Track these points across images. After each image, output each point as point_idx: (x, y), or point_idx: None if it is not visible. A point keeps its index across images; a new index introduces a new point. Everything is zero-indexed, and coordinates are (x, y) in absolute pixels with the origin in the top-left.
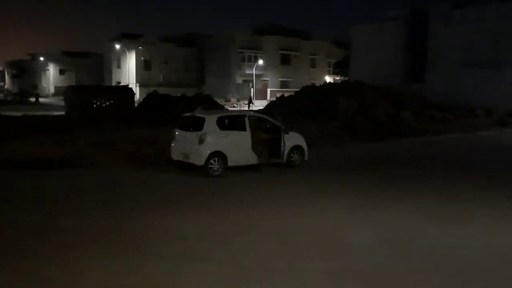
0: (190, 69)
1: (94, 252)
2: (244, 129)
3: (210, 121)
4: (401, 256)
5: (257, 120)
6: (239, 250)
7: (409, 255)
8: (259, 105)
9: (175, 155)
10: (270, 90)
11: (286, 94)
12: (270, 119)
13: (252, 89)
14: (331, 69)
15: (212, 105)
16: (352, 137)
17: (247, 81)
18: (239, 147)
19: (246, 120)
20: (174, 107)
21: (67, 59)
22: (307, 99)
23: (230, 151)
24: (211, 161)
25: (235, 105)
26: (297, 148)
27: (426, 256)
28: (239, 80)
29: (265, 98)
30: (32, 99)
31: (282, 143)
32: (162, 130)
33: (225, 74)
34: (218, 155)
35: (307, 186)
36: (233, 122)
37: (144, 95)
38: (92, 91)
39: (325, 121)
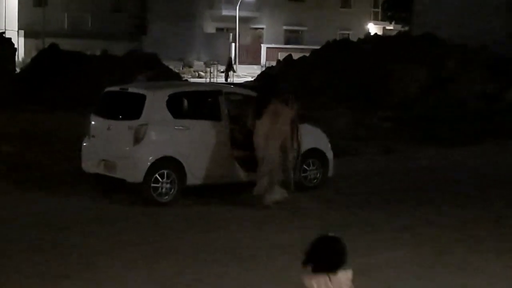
0: (120, 8)
1: None
2: (217, 117)
3: (155, 101)
4: None
5: (243, 102)
6: None
7: None
8: (245, 74)
9: (90, 164)
10: (267, 48)
11: (295, 56)
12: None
13: (233, 45)
14: (379, 11)
15: (159, 73)
16: (415, 137)
17: (225, 31)
18: (208, 151)
19: (222, 101)
20: (88, 75)
21: None
22: (333, 66)
23: (192, 158)
24: (157, 176)
25: (202, 73)
26: (314, 154)
27: None
28: (210, 28)
29: (257, 62)
30: None
31: (294, 148)
32: (65, 117)
33: (184, 17)
34: (169, 165)
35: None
36: (198, 104)
37: (34, 52)
38: None
39: (367, 107)
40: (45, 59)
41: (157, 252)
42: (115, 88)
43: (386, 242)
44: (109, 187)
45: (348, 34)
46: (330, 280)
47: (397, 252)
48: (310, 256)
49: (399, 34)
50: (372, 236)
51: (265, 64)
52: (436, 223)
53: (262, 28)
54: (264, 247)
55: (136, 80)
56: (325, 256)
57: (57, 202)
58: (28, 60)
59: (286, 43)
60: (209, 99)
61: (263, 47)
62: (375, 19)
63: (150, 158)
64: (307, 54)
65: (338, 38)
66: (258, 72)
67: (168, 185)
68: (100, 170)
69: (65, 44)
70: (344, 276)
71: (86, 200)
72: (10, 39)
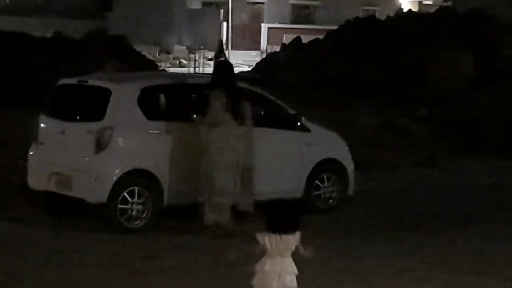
0: None
1: None
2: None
3: (124, 98)
4: None
5: (237, 99)
6: None
7: None
8: (241, 62)
9: (38, 179)
10: (269, 28)
11: (306, 39)
12: (267, 95)
13: (224, 24)
14: None
15: (128, 61)
16: (462, 144)
17: (214, 6)
18: (192, 162)
19: (213, 98)
20: (36, 64)
21: None
22: (355, 52)
23: (171, 171)
24: (125, 194)
25: (185, 61)
26: (330, 166)
27: None
28: (195, 2)
29: (256, 47)
30: None
31: (297, 160)
32: (5, 117)
33: None
34: (141, 180)
35: None
36: (179, 102)
37: None
38: None
39: (398, 105)
40: None
41: None
42: (72, 81)
43: None
44: (63, 209)
45: (374, 10)
46: (280, 238)
47: None
48: (267, 217)
49: (440, 10)
50: None
51: (266, 50)
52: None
53: (262, 3)
54: None
55: (103, 70)
56: (278, 219)
57: None
58: None
59: (293, 23)
60: (194, 95)
61: (264, 28)
62: None
63: (117, 171)
64: (321, 37)
65: (361, 16)
66: (257, 59)
67: (139, 207)
68: (51, 186)
69: (6, 23)
70: (293, 237)
71: (32, 227)
72: None
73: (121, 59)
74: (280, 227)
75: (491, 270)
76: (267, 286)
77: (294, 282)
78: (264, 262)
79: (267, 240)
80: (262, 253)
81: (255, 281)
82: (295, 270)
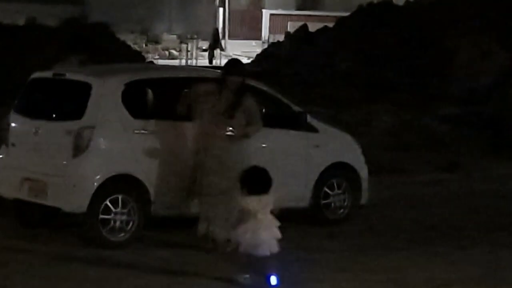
0: None
1: None
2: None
3: (106, 93)
4: None
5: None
6: None
7: None
8: (239, 53)
9: (8, 186)
10: (271, 15)
11: (313, 27)
12: (270, 91)
13: (220, 10)
14: None
15: (111, 52)
16: (490, 147)
17: None
18: (184, 166)
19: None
20: (7, 55)
21: None
22: (369, 42)
23: (160, 177)
24: (107, 203)
25: (175, 52)
26: (341, 171)
27: None
28: None
29: (256, 36)
30: None
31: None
32: None
33: None
34: (125, 186)
35: None
36: (169, 98)
37: None
38: None
39: (419, 102)
40: None
41: None
42: (47, 74)
43: None
44: (36, 220)
45: None
46: (260, 200)
47: None
48: (245, 182)
49: None
50: None
51: (268, 39)
52: None
53: None
54: None
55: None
56: (257, 183)
57: None
58: None
59: (299, 8)
60: (186, 90)
61: (265, 14)
62: None
63: (98, 177)
64: (330, 25)
65: (375, 1)
66: (258, 50)
67: (124, 217)
68: (24, 194)
69: None
70: (270, 198)
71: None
72: None
73: (102, 50)
74: (259, 190)
75: None
76: (257, 239)
77: (278, 232)
78: (251, 222)
79: (249, 202)
80: (247, 215)
81: (246, 239)
82: (277, 222)
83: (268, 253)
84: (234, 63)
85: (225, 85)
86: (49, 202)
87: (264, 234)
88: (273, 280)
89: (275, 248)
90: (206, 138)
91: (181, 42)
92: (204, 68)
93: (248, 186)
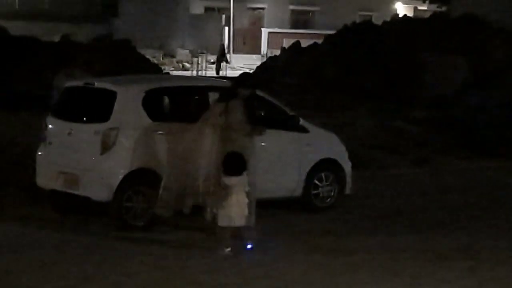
0: None
1: None
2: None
3: (129, 100)
4: None
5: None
6: None
7: None
8: (242, 65)
9: (46, 178)
10: (269, 33)
11: (305, 43)
12: (267, 97)
13: (226, 29)
14: None
15: (133, 65)
16: (454, 145)
17: (216, 11)
18: (195, 162)
19: (214, 99)
20: (45, 67)
21: None
22: (352, 56)
23: (175, 170)
24: (130, 193)
25: (188, 65)
26: (328, 166)
27: None
28: (197, 8)
29: (257, 51)
30: None
31: (297, 158)
32: (13, 118)
33: None
34: (145, 179)
35: None
36: (182, 104)
37: None
38: None
39: (394, 107)
40: None
41: None
42: (79, 83)
43: None
44: (69, 207)
45: (371, 15)
46: (236, 179)
47: None
48: (224, 165)
49: (434, 15)
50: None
51: (267, 53)
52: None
53: (263, 8)
54: None
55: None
56: (233, 165)
57: None
58: None
59: (292, 27)
60: (197, 97)
61: (264, 32)
62: None
63: (122, 170)
64: (320, 41)
65: (358, 21)
66: (258, 63)
67: (144, 204)
68: (59, 185)
69: (16, 28)
70: (243, 178)
71: (39, 224)
72: None
73: (128, 63)
74: (236, 171)
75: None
76: (232, 212)
77: (247, 209)
78: (228, 196)
79: (227, 181)
80: (227, 191)
81: (223, 208)
82: (246, 200)
83: (241, 224)
84: (245, 77)
85: (237, 94)
86: (81, 192)
87: (236, 209)
88: (249, 245)
89: (243, 221)
90: (224, 141)
91: (192, 56)
92: (212, 78)
93: (226, 167)
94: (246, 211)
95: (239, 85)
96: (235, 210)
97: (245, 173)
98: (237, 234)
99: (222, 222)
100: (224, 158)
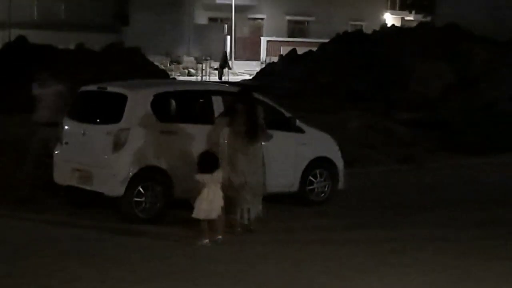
0: None
1: None
2: (210, 121)
3: (139, 102)
4: None
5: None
6: None
7: None
8: (243, 71)
9: (62, 175)
10: (268, 41)
11: (300, 50)
12: (266, 101)
13: (228, 38)
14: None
15: (143, 70)
16: (438, 144)
17: (218, 21)
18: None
19: (217, 102)
20: (61, 73)
21: None
22: (344, 62)
23: (181, 168)
24: (139, 189)
25: (193, 70)
26: (322, 163)
27: None
28: (202, 18)
29: (256, 58)
30: None
31: (293, 155)
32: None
33: (172, 5)
34: (153, 176)
35: None
36: (188, 106)
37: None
38: None
39: (383, 109)
40: (11, 53)
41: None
42: (92, 87)
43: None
44: (83, 201)
45: (361, 25)
46: (211, 175)
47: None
48: (199, 163)
49: (420, 25)
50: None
51: (266, 60)
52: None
53: (262, 19)
54: None
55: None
56: (207, 163)
57: (16, 221)
58: None
59: (289, 36)
60: (201, 100)
61: (263, 40)
62: (392, 8)
63: (132, 168)
64: (314, 49)
65: (349, 30)
66: (257, 69)
67: (152, 199)
68: (74, 181)
69: (34, 36)
70: (218, 174)
71: (56, 218)
72: None
73: (136, 68)
74: (210, 168)
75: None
76: (208, 206)
77: (222, 201)
78: (203, 192)
79: (203, 178)
80: (202, 187)
81: (200, 205)
82: (221, 194)
83: (216, 217)
84: (244, 92)
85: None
86: (94, 187)
87: (209, 203)
88: (219, 237)
89: (215, 215)
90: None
91: (197, 63)
92: (216, 83)
93: (200, 166)
94: (219, 206)
95: (239, 100)
96: (208, 204)
97: (217, 171)
98: (211, 227)
99: (196, 215)
100: (198, 157)
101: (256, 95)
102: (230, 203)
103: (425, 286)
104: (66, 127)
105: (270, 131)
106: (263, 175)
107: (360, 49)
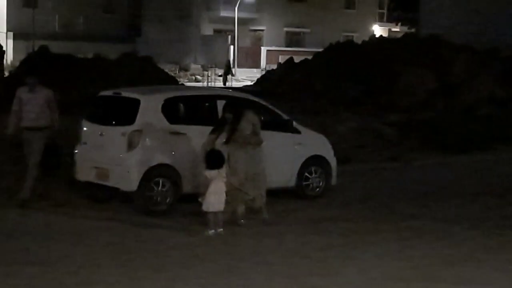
0: (113, 9)
1: None
2: (215, 123)
3: (150, 106)
4: None
5: (242, 107)
6: None
7: None
8: (245, 77)
9: (82, 172)
10: (267, 50)
11: (297, 59)
12: (266, 104)
13: (231, 47)
14: (384, 12)
15: (154, 77)
16: (422, 144)
17: (223, 33)
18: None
19: (221, 105)
20: (80, 79)
21: None
22: (337, 70)
23: (189, 165)
24: (152, 184)
25: (199, 77)
26: (317, 161)
27: None
28: (208, 30)
29: (257, 65)
30: None
31: (291, 152)
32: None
33: (180, 19)
34: (164, 172)
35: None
36: (195, 109)
37: (24, 55)
38: None
39: (372, 112)
40: (35, 62)
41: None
42: (108, 93)
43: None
44: (101, 196)
45: (352, 36)
46: (218, 172)
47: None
48: (206, 160)
49: (406, 35)
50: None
51: (265, 68)
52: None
53: (262, 30)
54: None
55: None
56: (214, 160)
57: (36, 219)
58: (17, 63)
59: (287, 46)
60: (207, 104)
61: (263, 50)
62: (381, 20)
63: (145, 165)
64: (310, 57)
65: (341, 40)
66: (258, 76)
67: (163, 193)
68: (92, 178)
69: (56, 47)
70: (223, 172)
71: (77, 211)
72: None
73: (148, 75)
74: (216, 165)
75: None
76: (214, 199)
77: (223, 197)
78: (211, 186)
79: (210, 173)
80: (209, 182)
81: (207, 199)
82: (224, 188)
83: (221, 209)
84: (230, 105)
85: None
86: (111, 183)
87: (215, 197)
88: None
89: (220, 207)
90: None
91: (203, 70)
92: (220, 88)
93: (207, 163)
94: (223, 199)
95: (226, 111)
96: (214, 197)
97: (223, 167)
98: (215, 219)
99: (207, 208)
100: (205, 155)
101: (256, 99)
102: (232, 198)
103: (406, 271)
104: (84, 129)
105: (270, 132)
106: (263, 170)
107: (351, 58)
